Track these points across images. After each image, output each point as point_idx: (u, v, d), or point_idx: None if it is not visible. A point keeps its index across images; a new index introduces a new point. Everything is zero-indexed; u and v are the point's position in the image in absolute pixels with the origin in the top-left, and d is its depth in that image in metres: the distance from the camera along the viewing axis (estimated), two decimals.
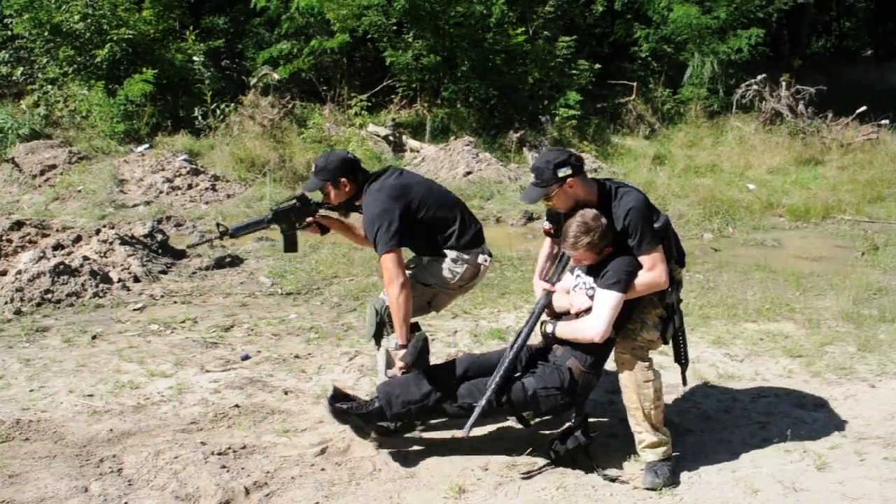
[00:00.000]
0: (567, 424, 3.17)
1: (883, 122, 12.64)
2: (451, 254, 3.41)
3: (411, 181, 3.48)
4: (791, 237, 7.96)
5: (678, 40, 13.95)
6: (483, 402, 3.00)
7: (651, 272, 3.00)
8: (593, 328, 2.96)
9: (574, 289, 3.21)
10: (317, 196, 3.60)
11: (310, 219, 3.62)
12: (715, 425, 3.65)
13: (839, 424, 3.63)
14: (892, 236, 7.77)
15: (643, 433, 3.12)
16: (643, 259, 3.01)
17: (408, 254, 3.49)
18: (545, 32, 13.13)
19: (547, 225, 3.42)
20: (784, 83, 12.89)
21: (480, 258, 3.47)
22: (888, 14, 22.32)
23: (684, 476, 3.15)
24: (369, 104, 12.43)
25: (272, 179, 9.55)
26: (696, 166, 11.27)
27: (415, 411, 3.14)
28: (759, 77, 13.01)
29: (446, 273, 3.42)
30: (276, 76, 12.05)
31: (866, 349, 4.66)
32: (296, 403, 3.85)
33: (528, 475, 3.14)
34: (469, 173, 10.21)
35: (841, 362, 4.45)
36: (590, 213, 3.01)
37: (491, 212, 8.79)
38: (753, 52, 13.75)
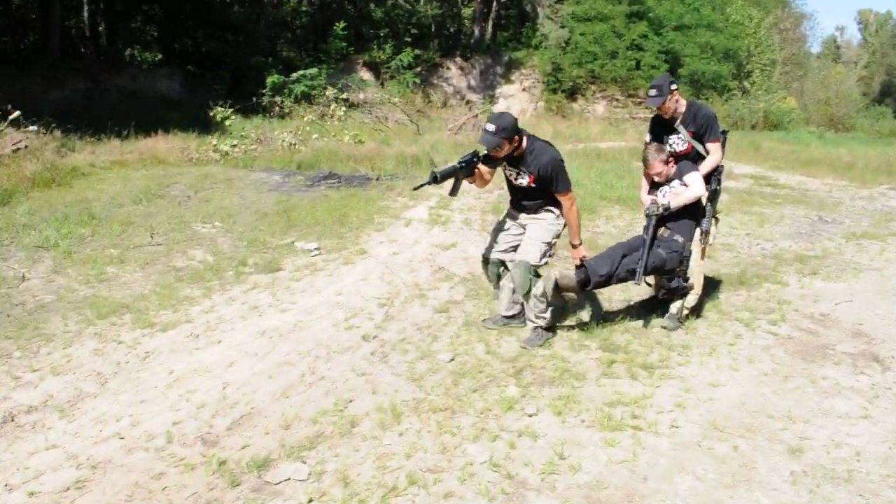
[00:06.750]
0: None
1: (32, 128, 12.10)
2: (555, 210, 4.53)
3: None
4: None
5: None
6: (642, 266, 4.65)
7: (713, 156, 4.92)
8: (697, 187, 4.80)
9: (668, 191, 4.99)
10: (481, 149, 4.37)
11: (476, 169, 4.38)
12: None
13: None
14: None
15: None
16: (709, 146, 4.92)
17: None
18: None
19: (648, 137, 5.12)
20: None
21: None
22: (174, 25, 22.83)
23: None
24: None
25: None
26: None
27: (604, 279, 4.65)
28: None
29: (555, 228, 4.56)
30: None
31: None
32: None
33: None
34: None
35: None
36: (654, 145, 5.00)
37: None
38: None
